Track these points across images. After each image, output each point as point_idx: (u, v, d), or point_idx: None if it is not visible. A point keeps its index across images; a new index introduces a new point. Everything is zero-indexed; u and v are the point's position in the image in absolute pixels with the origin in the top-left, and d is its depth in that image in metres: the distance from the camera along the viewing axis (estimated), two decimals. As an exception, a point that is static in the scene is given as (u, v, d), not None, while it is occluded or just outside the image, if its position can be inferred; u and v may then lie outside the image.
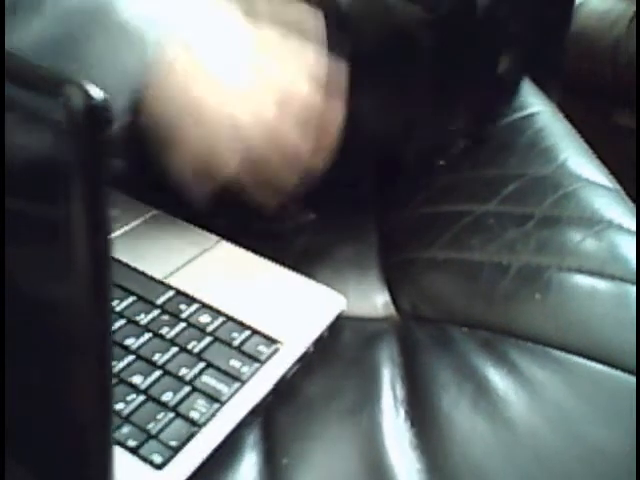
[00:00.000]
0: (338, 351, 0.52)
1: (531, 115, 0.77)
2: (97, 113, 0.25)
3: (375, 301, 0.58)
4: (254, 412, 0.47)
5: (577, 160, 0.68)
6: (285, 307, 0.54)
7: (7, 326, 0.32)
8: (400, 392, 0.48)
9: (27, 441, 0.34)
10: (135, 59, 0.49)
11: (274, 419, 0.47)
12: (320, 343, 0.52)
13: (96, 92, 0.25)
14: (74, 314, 0.29)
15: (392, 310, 0.57)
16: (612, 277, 0.53)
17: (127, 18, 0.47)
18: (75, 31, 0.48)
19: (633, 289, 0.53)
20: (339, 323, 0.54)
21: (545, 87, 0.88)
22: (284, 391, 0.49)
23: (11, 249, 0.30)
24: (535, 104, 0.80)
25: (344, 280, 0.59)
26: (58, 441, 0.34)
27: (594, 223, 0.58)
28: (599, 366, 0.48)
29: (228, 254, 0.59)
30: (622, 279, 0.53)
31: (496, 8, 0.56)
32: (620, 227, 0.58)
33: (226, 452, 0.44)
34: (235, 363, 0.49)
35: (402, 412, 0.47)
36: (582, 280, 0.53)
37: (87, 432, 0.32)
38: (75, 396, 0.32)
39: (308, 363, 0.51)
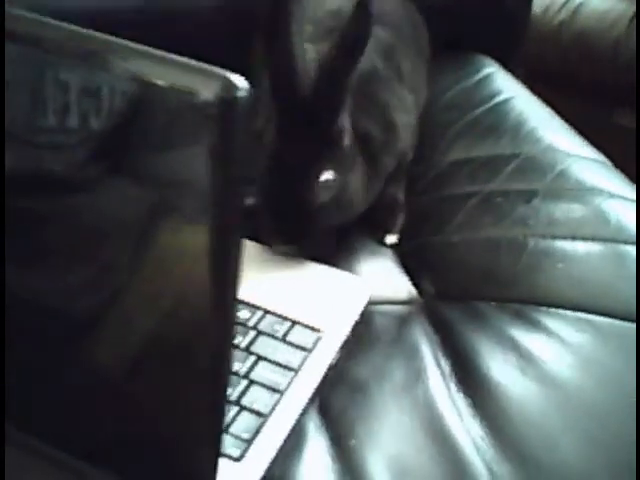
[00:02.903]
0: (374, 335, 0.54)
1: (508, 100, 0.80)
2: (239, 104, 0.26)
3: (397, 286, 0.59)
4: (309, 399, 0.48)
5: (563, 137, 0.71)
6: (316, 296, 0.55)
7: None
8: (446, 367, 0.50)
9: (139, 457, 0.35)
10: None
11: (330, 404, 0.48)
12: (355, 328, 0.54)
13: (241, 82, 0.25)
14: (196, 326, 0.30)
15: (414, 293, 0.59)
16: (625, 242, 0.56)
17: None
18: None
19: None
20: (368, 309, 0.56)
21: (509, 67, 0.90)
22: (332, 377, 0.50)
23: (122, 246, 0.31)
24: (509, 89, 0.83)
25: (363, 269, 0.60)
26: (165, 455, 0.34)
27: (595, 195, 0.61)
28: (629, 324, 0.50)
29: (249, 250, 0.60)
30: (635, 243, 0.56)
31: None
32: (620, 197, 0.61)
33: (292, 439, 0.45)
34: (284, 354, 0.49)
35: (452, 385, 0.49)
36: (597, 247, 0.56)
37: (199, 446, 0.33)
38: (190, 409, 0.32)
39: (349, 348, 0.52)
